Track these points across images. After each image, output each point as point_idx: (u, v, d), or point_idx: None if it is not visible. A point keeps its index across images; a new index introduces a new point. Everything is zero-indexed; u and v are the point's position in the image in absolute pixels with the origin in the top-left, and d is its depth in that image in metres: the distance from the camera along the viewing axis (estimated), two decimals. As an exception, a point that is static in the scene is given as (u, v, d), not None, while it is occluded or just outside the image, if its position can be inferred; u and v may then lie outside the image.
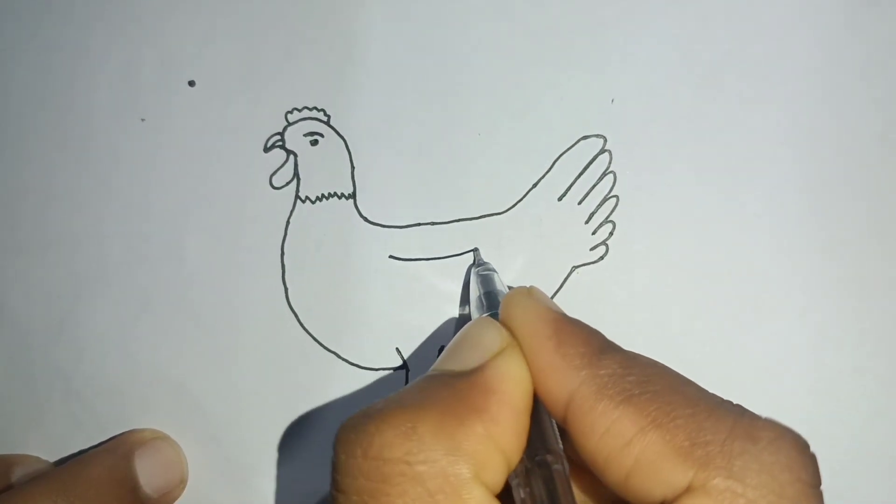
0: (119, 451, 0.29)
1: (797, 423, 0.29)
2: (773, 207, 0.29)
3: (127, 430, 0.31)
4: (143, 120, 0.31)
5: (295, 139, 0.30)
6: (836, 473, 0.29)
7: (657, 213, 0.29)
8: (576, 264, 0.30)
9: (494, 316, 0.22)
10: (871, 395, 0.29)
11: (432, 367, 0.20)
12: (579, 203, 0.30)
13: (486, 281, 0.26)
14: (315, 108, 0.30)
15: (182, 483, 0.31)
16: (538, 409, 0.20)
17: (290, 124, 0.31)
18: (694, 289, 0.29)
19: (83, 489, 0.27)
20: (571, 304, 0.30)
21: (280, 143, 0.31)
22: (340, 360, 0.30)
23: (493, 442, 0.18)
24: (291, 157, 0.31)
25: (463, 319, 0.30)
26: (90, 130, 0.32)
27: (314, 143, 0.30)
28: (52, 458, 0.32)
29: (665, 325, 0.29)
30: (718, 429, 0.17)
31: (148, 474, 0.29)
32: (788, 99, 0.29)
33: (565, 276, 0.30)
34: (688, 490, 0.17)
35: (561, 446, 0.19)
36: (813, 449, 0.29)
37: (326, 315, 0.30)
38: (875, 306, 0.29)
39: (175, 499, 0.31)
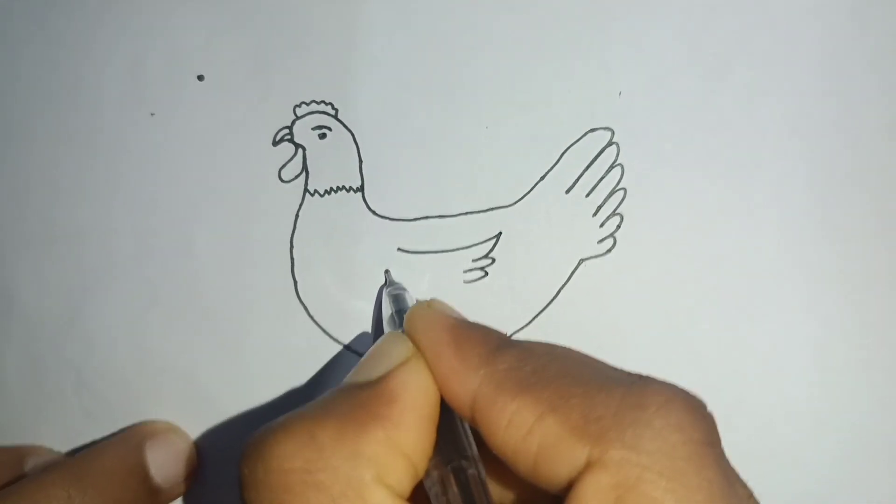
0: (130, 441, 0.30)
1: (803, 415, 0.29)
2: (779, 200, 0.29)
3: (138, 421, 0.31)
4: (152, 114, 0.32)
5: (303, 133, 0.31)
6: (842, 465, 0.29)
7: (665, 206, 0.29)
8: (583, 257, 0.30)
9: None
10: (877, 388, 0.29)
11: (342, 381, 0.21)
12: (587, 196, 0.30)
13: (398, 300, 0.27)
14: (323, 101, 0.31)
15: (192, 474, 0.31)
16: (450, 417, 0.20)
17: (298, 118, 0.31)
18: (701, 281, 0.29)
19: (95, 479, 0.28)
20: (579, 297, 0.30)
21: (288, 137, 0.31)
22: (350, 352, 0.30)
23: (395, 446, 0.18)
24: (300, 150, 0.31)
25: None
26: (99, 125, 0.32)
27: (322, 136, 0.31)
28: (64, 449, 0.32)
29: (672, 317, 0.29)
30: (609, 403, 0.17)
31: (159, 465, 0.29)
32: (795, 91, 0.29)
33: (573, 268, 0.30)
34: (587, 466, 0.17)
35: (475, 451, 0.20)
36: (818, 440, 0.29)
37: (335, 307, 0.30)
38: (881, 299, 0.29)
39: (186, 489, 0.31)
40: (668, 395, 0.18)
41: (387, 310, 0.27)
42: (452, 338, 0.20)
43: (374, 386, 0.19)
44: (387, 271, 0.30)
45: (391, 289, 0.28)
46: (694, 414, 0.17)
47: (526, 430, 0.18)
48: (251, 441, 0.19)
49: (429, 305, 0.22)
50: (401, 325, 0.25)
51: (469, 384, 0.19)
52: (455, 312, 0.22)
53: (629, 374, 0.19)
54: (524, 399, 0.18)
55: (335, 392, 0.20)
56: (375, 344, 0.22)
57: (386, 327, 0.27)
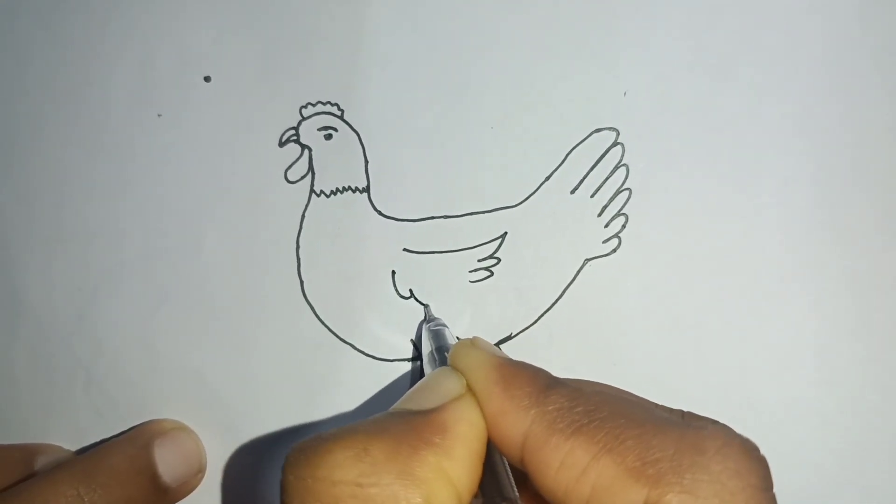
0: (139, 440, 0.30)
1: (807, 415, 0.29)
2: (784, 199, 0.29)
3: (147, 420, 0.32)
4: (159, 115, 0.32)
5: (309, 133, 0.31)
6: (846, 464, 0.29)
7: (669, 206, 0.29)
8: (588, 257, 0.30)
9: None
10: (882, 386, 0.29)
11: (391, 408, 0.21)
12: (592, 196, 0.30)
13: (438, 336, 0.27)
14: (329, 102, 0.31)
15: (200, 472, 0.31)
16: (494, 458, 0.20)
17: (304, 119, 0.31)
18: (705, 281, 0.29)
19: (104, 477, 0.28)
20: (584, 297, 0.30)
21: (295, 138, 0.31)
22: (356, 352, 0.31)
23: (445, 475, 0.18)
24: (306, 151, 0.31)
25: (415, 374, 0.30)
26: (107, 126, 0.32)
27: (328, 137, 0.31)
28: (74, 448, 0.32)
29: (677, 317, 0.29)
30: (666, 445, 0.17)
31: (167, 464, 0.30)
32: (800, 91, 0.29)
33: (578, 268, 0.30)
34: None
35: (516, 494, 0.20)
36: (822, 439, 0.29)
37: (341, 307, 0.31)
38: (885, 298, 0.29)
39: (193, 488, 0.31)
40: (725, 439, 0.18)
41: (426, 346, 0.27)
42: (500, 377, 0.20)
43: (428, 415, 0.19)
44: (426, 306, 0.30)
45: (431, 324, 0.29)
46: (750, 458, 0.18)
47: (579, 471, 0.18)
48: (299, 448, 0.18)
49: (472, 343, 0.22)
50: (442, 361, 0.25)
51: (519, 424, 0.19)
52: (498, 351, 0.22)
53: (679, 413, 0.19)
54: (578, 439, 0.18)
55: (387, 415, 0.20)
56: (427, 377, 0.22)
57: (426, 364, 0.27)
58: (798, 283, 0.29)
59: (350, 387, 0.31)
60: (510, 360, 0.21)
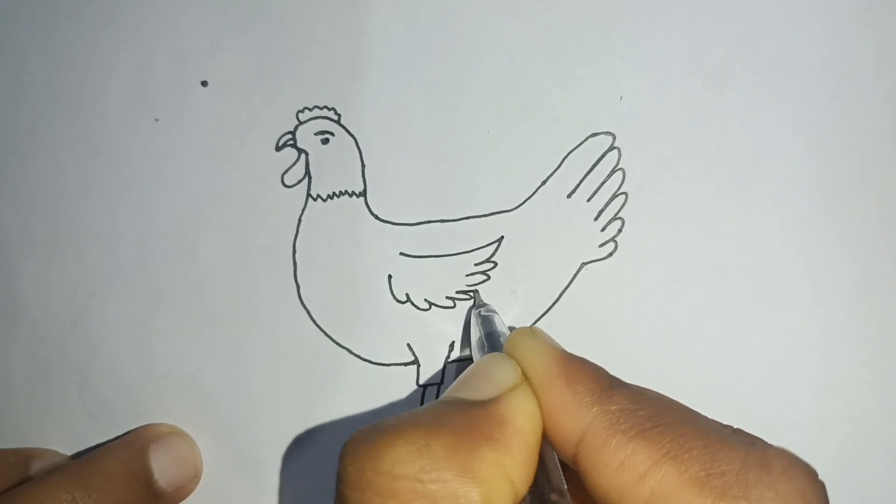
0: (135, 445, 0.30)
1: (806, 419, 0.29)
2: (782, 203, 0.29)
3: (142, 424, 0.32)
4: (156, 120, 0.32)
5: (306, 138, 0.31)
6: (845, 468, 0.29)
7: (666, 210, 0.29)
8: (585, 261, 0.30)
9: None
10: (880, 391, 0.29)
11: (444, 394, 0.20)
12: (588, 200, 0.30)
13: (488, 322, 0.27)
14: (326, 107, 0.31)
15: (196, 477, 0.31)
16: (544, 449, 0.20)
17: (301, 123, 0.31)
18: (702, 285, 0.29)
19: (99, 482, 0.28)
20: (580, 301, 0.30)
21: (291, 142, 0.31)
22: (352, 356, 0.31)
23: (503, 471, 0.18)
24: (303, 155, 0.31)
25: (463, 360, 0.30)
26: (104, 130, 0.32)
27: (325, 141, 0.31)
28: (69, 452, 0.32)
29: (674, 321, 0.29)
30: (732, 459, 0.17)
31: (163, 468, 0.30)
32: (798, 95, 0.29)
33: (574, 272, 0.30)
34: None
35: (566, 486, 0.20)
36: (821, 443, 0.29)
37: (338, 311, 0.31)
38: (884, 302, 0.29)
39: (189, 492, 0.31)
40: (791, 460, 0.18)
41: (475, 332, 0.27)
42: (563, 370, 0.20)
43: (486, 406, 0.19)
44: (476, 291, 0.30)
45: (482, 310, 0.28)
46: (814, 482, 0.18)
47: (639, 475, 0.18)
48: (359, 438, 0.18)
49: (532, 332, 0.22)
50: (491, 348, 0.25)
51: (579, 420, 0.19)
52: (558, 343, 0.22)
53: (731, 429, 0.19)
54: (640, 443, 0.18)
55: (444, 405, 0.19)
56: (479, 363, 0.22)
57: (475, 350, 0.27)
58: (795, 287, 0.29)
59: (347, 391, 0.31)
60: (571, 354, 0.21)
